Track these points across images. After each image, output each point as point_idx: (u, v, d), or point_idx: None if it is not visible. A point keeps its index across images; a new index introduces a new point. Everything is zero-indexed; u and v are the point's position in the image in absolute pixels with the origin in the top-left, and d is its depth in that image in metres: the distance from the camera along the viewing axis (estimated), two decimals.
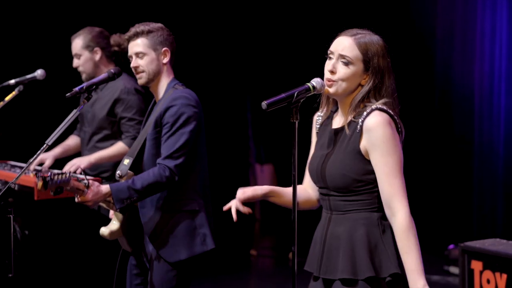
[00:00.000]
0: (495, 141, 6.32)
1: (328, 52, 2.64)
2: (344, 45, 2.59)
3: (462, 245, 4.23)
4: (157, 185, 3.24)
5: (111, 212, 3.45)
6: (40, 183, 2.98)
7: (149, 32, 3.41)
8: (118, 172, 3.35)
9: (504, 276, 3.98)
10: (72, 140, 4.62)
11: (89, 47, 4.39)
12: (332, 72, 2.59)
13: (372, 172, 2.55)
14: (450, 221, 6.71)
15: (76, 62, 4.43)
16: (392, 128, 2.52)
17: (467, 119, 6.57)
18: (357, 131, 2.55)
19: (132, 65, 3.44)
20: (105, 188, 3.19)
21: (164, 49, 3.43)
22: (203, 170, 3.46)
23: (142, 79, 3.43)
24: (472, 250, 4.16)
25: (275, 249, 7.49)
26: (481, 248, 4.12)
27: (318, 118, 2.78)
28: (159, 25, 3.48)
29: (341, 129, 2.64)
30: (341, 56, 2.58)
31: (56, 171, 4.07)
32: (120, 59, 4.31)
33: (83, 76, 4.42)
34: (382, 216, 2.57)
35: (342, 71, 2.58)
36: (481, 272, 4.11)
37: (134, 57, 3.43)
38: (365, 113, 2.55)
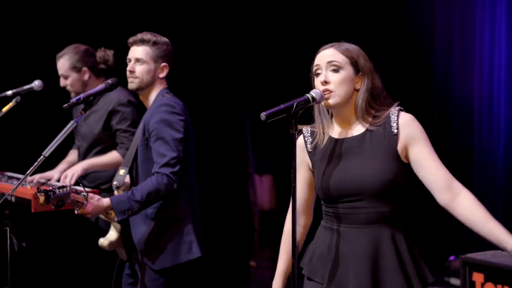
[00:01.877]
0: (495, 151, 6.30)
1: (314, 68, 2.66)
2: (328, 54, 2.63)
3: (463, 257, 4.19)
4: (156, 194, 3.24)
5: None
6: (42, 198, 2.98)
7: (155, 43, 3.45)
8: (115, 182, 3.38)
9: None
10: (73, 155, 4.59)
11: (75, 68, 4.32)
12: (326, 82, 2.61)
13: (406, 175, 2.62)
14: (450, 233, 6.68)
15: (63, 82, 4.37)
16: None
17: (467, 129, 6.55)
18: (394, 133, 2.58)
19: (128, 68, 3.46)
20: (106, 201, 3.19)
21: (163, 64, 3.48)
22: (190, 177, 3.46)
23: (133, 84, 3.46)
24: (473, 262, 4.12)
25: (274, 260, 7.43)
26: (483, 260, 4.09)
27: (307, 139, 2.74)
28: (166, 39, 3.52)
29: (358, 137, 2.63)
30: (329, 64, 2.61)
31: (56, 183, 4.06)
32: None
33: (72, 95, 4.37)
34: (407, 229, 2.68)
35: (335, 78, 2.61)
36: (482, 284, 4.07)
37: (133, 61, 3.45)
38: (393, 117, 2.61)
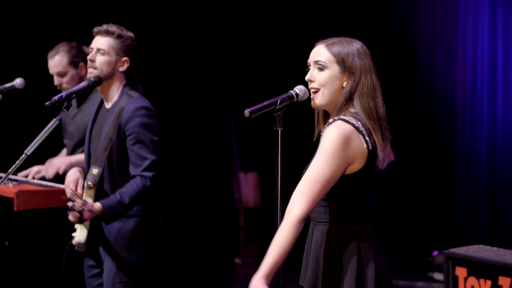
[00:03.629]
0: (478, 147, 6.34)
1: (307, 62, 2.65)
2: (317, 52, 2.62)
3: (447, 251, 4.23)
4: (141, 197, 3.35)
5: None
6: (75, 219, 3.15)
7: (119, 36, 3.46)
8: (89, 182, 3.39)
9: (489, 282, 3.98)
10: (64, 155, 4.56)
11: (74, 63, 4.30)
12: (310, 80, 2.61)
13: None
14: (434, 228, 6.71)
15: (58, 81, 4.30)
16: (341, 142, 2.45)
17: (450, 126, 6.59)
18: (319, 140, 2.53)
19: (89, 57, 3.45)
20: (98, 205, 3.26)
21: (125, 58, 3.47)
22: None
23: (91, 74, 3.44)
24: (456, 257, 4.16)
25: (259, 257, 7.45)
26: (465, 255, 4.13)
27: None
28: (131, 34, 3.53)
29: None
30: (315, 63, 2.61)
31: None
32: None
33: None
34: (350, 231, 2.52)
35: (319, 76, 2.59)
36: (465, 279, 4.11)
37: (95, 50, 3.45)
38: (327, 123, 2.54)
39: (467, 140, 6.42)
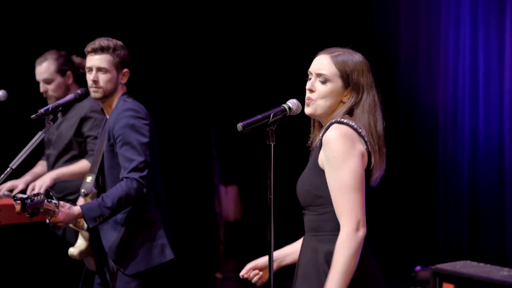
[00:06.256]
0: (460, 160, 6.35)
1: (308, 72, 2.62)
2: (321, 63, 2.59)
3: (434, 267, 4.21)
4: (127, 199, 3.23)
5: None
6: (18, 206, 2.94)
7: (114, 50, 3.40)
8: (82, 190, 3.35)
9: None
10: (41, 167, 4.51)
11: (62, 71, 4.28)
12: (311, 90, 2.57)
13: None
14: (416, 242, 6.71)
15: (44, 87, 4.29)
16: (347, 141, 2.45)
17: (432, 139, 6.59)
18: (318, 146, 2.53)
19: (92, 78, 3.38)
20: (77, 208, 3.17)
21: (125, 70, 3.44)
22: (157, 182, 3.46)
23: (98, 93, 3.39)
24: (443, 273, 4.15)
25: (240, 272, 7.41)
26: (453, 271, 4.12)
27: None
28: (120, 43, 3.47)
29: (315, 147, 2.61)
30: (318, 75, 2.58)
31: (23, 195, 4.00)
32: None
33: (51, 101, 4.30)
34: None
35: (320, 89, 2.57)
36: None
37: (95, 70, 3.38)
38: (325, 129, 2.52)
39: (449, 153, 6.43)
